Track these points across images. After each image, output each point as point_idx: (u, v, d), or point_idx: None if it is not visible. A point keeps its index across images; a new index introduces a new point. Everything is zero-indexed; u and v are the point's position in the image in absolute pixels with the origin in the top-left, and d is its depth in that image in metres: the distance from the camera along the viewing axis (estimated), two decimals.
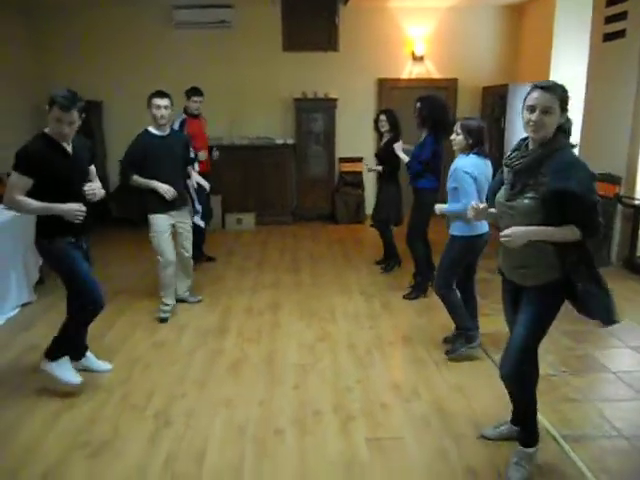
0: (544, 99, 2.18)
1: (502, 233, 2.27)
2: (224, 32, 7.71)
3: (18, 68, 7.26)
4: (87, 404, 3.10)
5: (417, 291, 4.85)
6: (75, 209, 2.93)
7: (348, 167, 8.19)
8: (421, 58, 8.02)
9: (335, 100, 7.89)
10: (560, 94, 2.20)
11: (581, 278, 2.24)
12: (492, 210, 2.53)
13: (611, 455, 2.60)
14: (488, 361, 3.62)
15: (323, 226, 7.89)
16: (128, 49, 7.74)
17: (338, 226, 7.88)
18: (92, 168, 3.28)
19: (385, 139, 5.41)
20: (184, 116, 5.44)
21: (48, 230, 3.01)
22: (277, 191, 8.00)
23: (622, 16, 5.66)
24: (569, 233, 2.18)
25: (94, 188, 3.06)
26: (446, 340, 3.87)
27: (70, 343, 3.25)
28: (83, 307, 3.10)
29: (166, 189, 4.13)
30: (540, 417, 2.69)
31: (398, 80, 8.07)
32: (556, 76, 7.19)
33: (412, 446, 2.72)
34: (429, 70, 8.11)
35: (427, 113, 4.59)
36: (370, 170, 5.60)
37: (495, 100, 7.70)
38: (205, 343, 3.94)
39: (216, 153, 6.00)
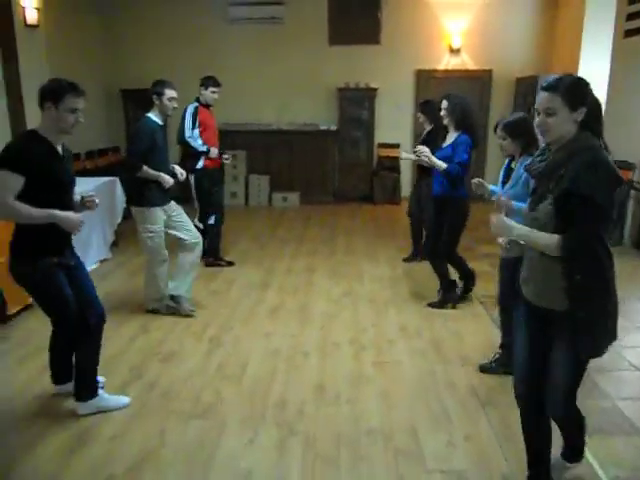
0: (545, 100, 1.98)
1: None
2: (275, 27, 8.49)
3: (92, 55, 8.25)
4: (158, 330, 3.99)
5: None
6: (78, 219, 2.69)
7: (386, 152, 8.85)
8: (458, 50, 8.58)
9: (375, 90, 8.56)
10: (564, 91, 1.95)
11: (585, 310, 2.04)
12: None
13: (625, 450, 2.69)
14: (487, 317, 4.28)
15: (361, 206, 8.60)
16: (188, 42, 8.61)
17: (375, 206, 8.57)
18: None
19: (426, 130, 5.29)
20: (197, 104, 5.19)
21: (30, 249, 2.66)
22: (320, 173, 8.78)
23: None
24: (551, 243, 1.98)
25: (95, 196, 2.87)
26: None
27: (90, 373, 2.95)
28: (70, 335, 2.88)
29: (167, 179, 4.05)
30: None
31: (435, 71, 8.66)
32: (585, 68, 7.62)
33: (408, 367, 3.46)
34: (465, 61, 8.65)
35: (460, 112, 4.16)
36: (403, 158, 5.47)
37: (527, 90, 8.17)
38: (250, 294, 4.77)
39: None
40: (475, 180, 3.26)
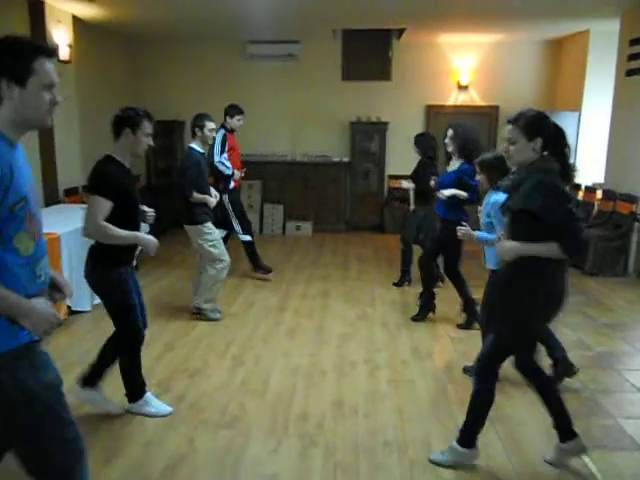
0: (508, 131, 2.45)
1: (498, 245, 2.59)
2: (291, 64, 8.90)
3: (118, 88, 8.65)
4: (183, 349, 4.20)
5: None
6: (156, 241, 2.97)
7: (397, 183, 9.11)
8: (466, 87, 8.93)
9: (386, 123, 8.90)
10: (523, 123, 2.38)
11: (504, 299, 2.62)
12: None
13: (627, 464, 2.84)
14: None
15: (372, 235, 8.86)
16: (208, 76, 9.05)
17: (386, 235, 8.82)
18: None
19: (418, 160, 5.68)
20: (224, 131, 5.69)
21: (109, 259, 2.94)
22: (333, 203, 9.07)
23: None
24: (553, 249, 2.34)
25: (152, 210, 3.20)
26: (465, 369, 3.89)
27: (136, 376, 3.21)
28: (131, 340, 3.10)
29: (212, 200, 4.64)
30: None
31: (444, 107, 9.01)
32: (588, 104, 7.93)
33: (421, 386, 3.66)
34: (473, 98, 8.99)
35: (462, 140, 4.43)
36: (405, 187, 5.90)
37: None
38: (269, 316, 4.99)
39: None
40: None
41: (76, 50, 7.06)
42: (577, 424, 3.15)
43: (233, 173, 5.70)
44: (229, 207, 5.73)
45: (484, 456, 2.88)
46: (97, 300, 5.12)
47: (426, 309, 4.91)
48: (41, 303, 1.69)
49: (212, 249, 4.61)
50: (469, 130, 4.54)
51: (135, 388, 3.20)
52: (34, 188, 1.80)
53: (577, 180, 6.09)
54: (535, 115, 2.42)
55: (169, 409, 3.25)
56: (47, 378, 1.73)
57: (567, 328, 4.73)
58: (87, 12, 6.92)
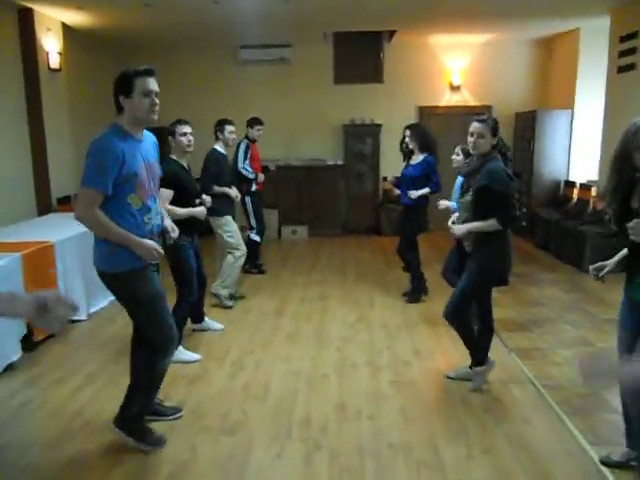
0: (478, 128, 3.16)
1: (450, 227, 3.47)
2: (283, 68, 8.89)
3: (108, 96, 8.58)
4: None
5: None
6: (204, 212, 4.07)
7: (391, 185, 9.09)
8: (458, 87, 8.94)
9: (380, 126, 8.89)
10: (490, 124, 3.17)
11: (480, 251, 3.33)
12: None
13: None
14: (497, 339, 4.43)
15: (368, 237, 8.83)
16: (200, 82, 9.01)
17: (382, 238, 8.79)
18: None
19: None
20: (247, 141, 6.26)
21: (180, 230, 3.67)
22: (328, 206, 9.03)
23: (632, 51, 6.42)
24: (492, 224, 3.15)
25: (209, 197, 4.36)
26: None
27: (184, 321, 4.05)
28: (190, 293, 3.98)
29: (236, 194, 5.32)
30: (577, 434, 3.02)
31: (437, 107, 9.02)
32: (580, 102, 7.96)
33: (424, 386, 3.63)
34: (465, 98, 9.01)
35: (421, 137, 5.25)
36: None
37: (526, 124, 8.49)
38: (267, 321, 4.94)
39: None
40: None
41: (66, 58, 7.01)
42: (582, 420, 3.15)
43: (257, 176, 6.24)
44: (249, 207, 6.25)
45: (493, 455, 2.84)
46: (93, 309, 5.09)
47: (417, 292, 5.45)
48: (148, 241, 2.67)
49: (230, 239, 5.12)
50: (424, 128, 5.53)
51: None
52: (153, 166, 2.84)
53: (571, 177, 6.37)
54: (496, 120, 3.25)
55: (195, 357, 4.03)
56: (151, 291, 2.72)
57: (568, 324, 4.72)
58: (77, 20, 6.88)
